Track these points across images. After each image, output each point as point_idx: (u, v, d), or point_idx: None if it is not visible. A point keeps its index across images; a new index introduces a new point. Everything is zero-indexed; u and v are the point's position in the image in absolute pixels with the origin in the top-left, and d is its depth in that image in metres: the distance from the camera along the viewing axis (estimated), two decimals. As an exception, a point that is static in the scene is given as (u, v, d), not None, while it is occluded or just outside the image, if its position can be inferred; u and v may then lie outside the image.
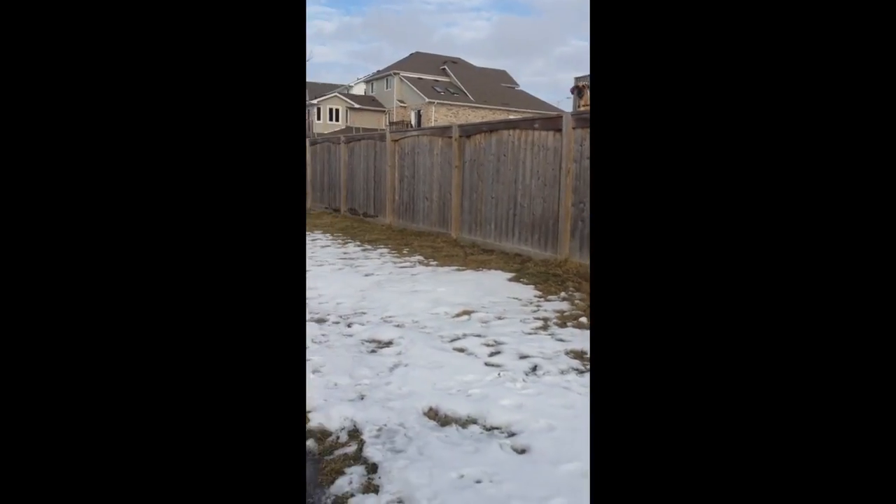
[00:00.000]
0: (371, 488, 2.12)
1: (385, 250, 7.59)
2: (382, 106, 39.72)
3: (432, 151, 8.63)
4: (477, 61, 50.50)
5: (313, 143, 13.20)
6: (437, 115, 35.63)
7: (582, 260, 5.91)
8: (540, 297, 5.04)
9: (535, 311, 4.56)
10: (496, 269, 6.19)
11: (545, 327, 4.13)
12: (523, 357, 3.49)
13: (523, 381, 3.11)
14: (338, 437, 2.51)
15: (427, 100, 36.33)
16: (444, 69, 40.81)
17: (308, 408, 2.75)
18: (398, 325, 4.15)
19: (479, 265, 6.40)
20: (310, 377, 3.15)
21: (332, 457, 2.35)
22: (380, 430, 2.55)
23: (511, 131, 7.03)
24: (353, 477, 2.19)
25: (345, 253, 7.48)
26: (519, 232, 6.95)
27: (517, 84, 44.10)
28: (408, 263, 6.66)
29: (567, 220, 6.14)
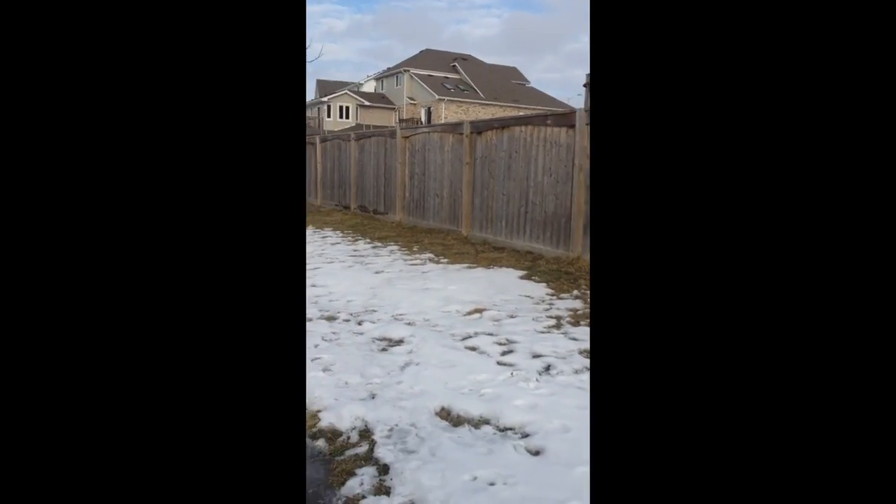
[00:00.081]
0: (383, 490, 2.08)
1: (395, 247, 7.55)
2: (392, 103, 39.73)
3: (443, 148, 8.59)
4: (487, 58, 50.46)
5: (323, 141, 13.19)
6: (448, 112, 35.57)
7: (594, 257, 5.83)
8: (552, 295, 4.98)
9: (547, 310, 4.50)
10: (507, 266, 6.13)
11: (558, 326, 4.07)
12: (536, 356, 3.43)
13: (537, 380, 3.06)
14: (349, 437, 2.47)
15: (437, 97, 36.27)
16: (454, 66, 40.73)
17: (318, 407, 2.72)
18: (409, 323, 4.12)
19: (491, 263, 6.35)
20: (320, 376, 3.12)
21: (342, 457, 2.31)
22: (391, 430, 2.51)
23: (523, 127, 6.96)
24: (364, 478, 2.15)
25: (355, 250, 7.45)
26: (530, 229, 6.89)
27: (528, 81, 43.93)
28: (418, 261, 6.62)
29: (580, 218, 6.07)
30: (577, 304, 4.66)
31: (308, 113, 38.11)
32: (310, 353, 3.48)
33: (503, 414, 2.64)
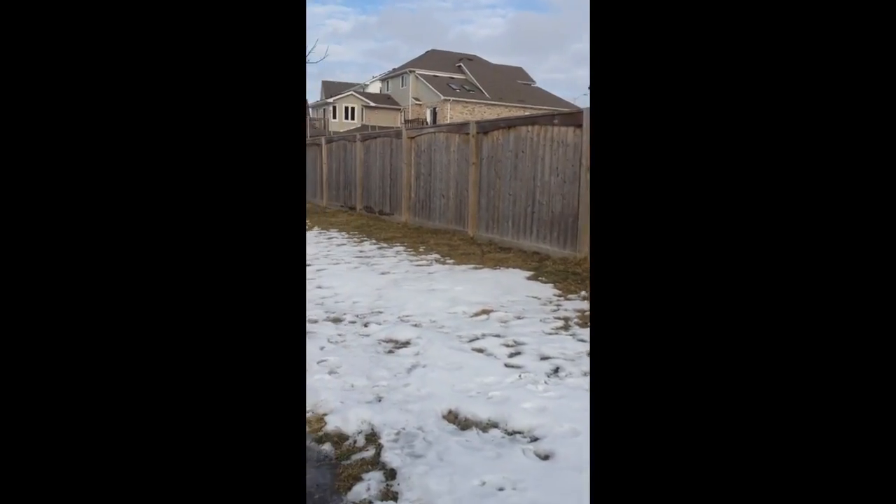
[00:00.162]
0: (390, 495, 2.05)
1: (401, 248, 7.52)
2: (398, 104, 39.75)
3: (449, 148, 8.55)
4: (493, 58, 50.38)
5: (329, 142, 13.18)
6: (453, 113, 35.55)
7: (602, 258, 5.78)
8: (560, 295, 4.94)
9: (555, 311, 4.46)
10: (514, 267, 6.09)
11: (566, 327, 4.03)
12: (544, 358, 3.39)
13: (545, 383, 3.02)
14: (355, 441, 2.44)
15: (442, 97, 36.26)
16: (459, 66, 40.70)
17: (324, 410, 2.69)
18: (415, 325, 4.08)
19: (497, 263, 6.31)
20: (326, 378, 3.09)
21: (349, 462, 2.28)
22: (398, 433, 2.48)
23: (530, 127, 6.92)
24: (371, 483, 2.12)
25: (360, 251, 7.43)
26: (537, 229, 6.85)
27: (533, 81, 43.85)
28: (424, 262, 6.59)
29: (587, 218, 6.02)
30: (585, 305, 4.61)
31: (313, 114, 38.22)
32: (315, 355, 3.45)
33: (511, 417, 2.60)
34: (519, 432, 2.50)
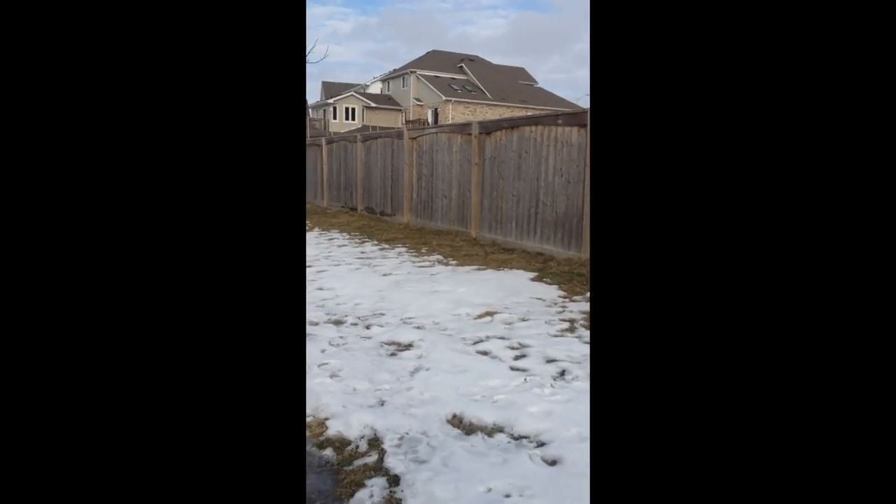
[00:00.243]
0: (393, 502, 1.99)
1: (403, 249, 7.47)
2: (399, 105, 39.72)
3: (451, 149, 8.50)
4: (494, 59, 50.29)
5: (329, 142, 13.14)
6: (455, 113, 35.52)
7: (606, 259, 5.73)
8: (564, 297, 4.88)
9: (560, 313, 4.40)
10: (518, 268, 6.03)
11: (572, 329, 3.97)
12: (550, 361, 3.33)
13: (551, 386, 2.96)
14: (357, 447, 2.38)
15: (444, 98, 36.23)
16: (461, 67, 40.67)
17: (326, 414, 2.64)
18: (418, 327, 4.02)
19: (500, 264, 6.26)
20: (328, 382, 3.03)
21: (351, 467, 2.22)
22: (401, 438, 2.42)
23: (533, 127, 6.87)
24: (373, 490, 2.06)
25: (362, 252, 7.37)
26: (541, 230, 6.79)
27: (535, 81, 43.81)
28: (427, 263, 6.53)
29: (591, 218, 5.98)
30: (590, 306, 4.55)
31: (314, 115, 38.19)
32: (317, 358, 3.39)
33: (517, 421, 2.55)
34: (525, 437, 2.44)
